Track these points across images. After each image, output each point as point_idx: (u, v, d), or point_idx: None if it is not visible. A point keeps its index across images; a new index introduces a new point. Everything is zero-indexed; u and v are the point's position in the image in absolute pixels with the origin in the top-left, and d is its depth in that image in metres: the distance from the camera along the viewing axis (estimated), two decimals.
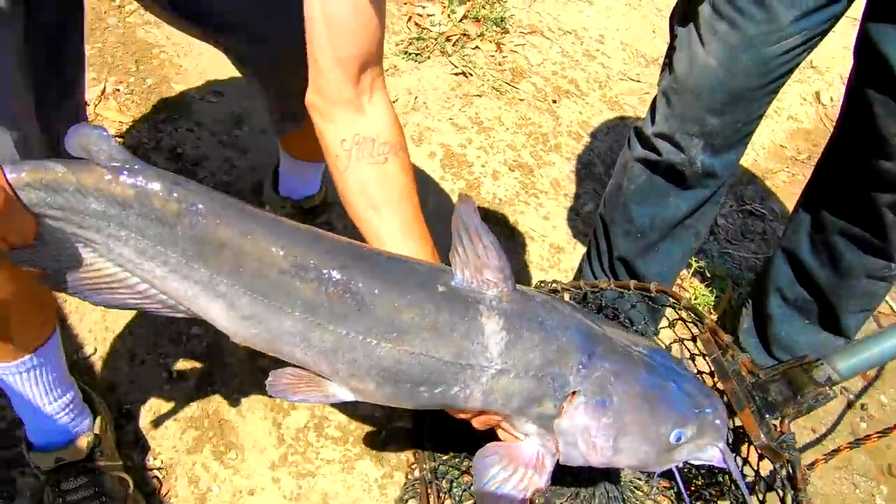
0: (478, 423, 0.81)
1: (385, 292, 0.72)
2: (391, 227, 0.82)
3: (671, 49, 1.16)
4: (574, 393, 0.74)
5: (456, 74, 2.06)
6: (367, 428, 1.31)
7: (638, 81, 2.29)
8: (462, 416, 0.81)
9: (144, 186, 0.69)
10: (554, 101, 2.10)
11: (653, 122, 1.20)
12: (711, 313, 1.70)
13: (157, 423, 1.25)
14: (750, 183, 2.07)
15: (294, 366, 0.79)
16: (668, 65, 1.17)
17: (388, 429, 1.32)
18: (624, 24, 2.49)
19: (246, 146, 1.71)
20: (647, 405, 0.74)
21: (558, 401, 0.74)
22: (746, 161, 2.08)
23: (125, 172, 0.68)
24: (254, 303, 0.72)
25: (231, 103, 1.80)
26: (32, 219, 0.66)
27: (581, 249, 1.71)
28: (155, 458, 1.21)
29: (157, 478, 1.19)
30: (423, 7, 2.17)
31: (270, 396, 0.89)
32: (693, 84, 1.09)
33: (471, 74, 2.07)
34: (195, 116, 1.75)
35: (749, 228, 1.94)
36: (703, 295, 1.72)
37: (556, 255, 1.72)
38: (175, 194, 0.70)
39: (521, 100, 2.06)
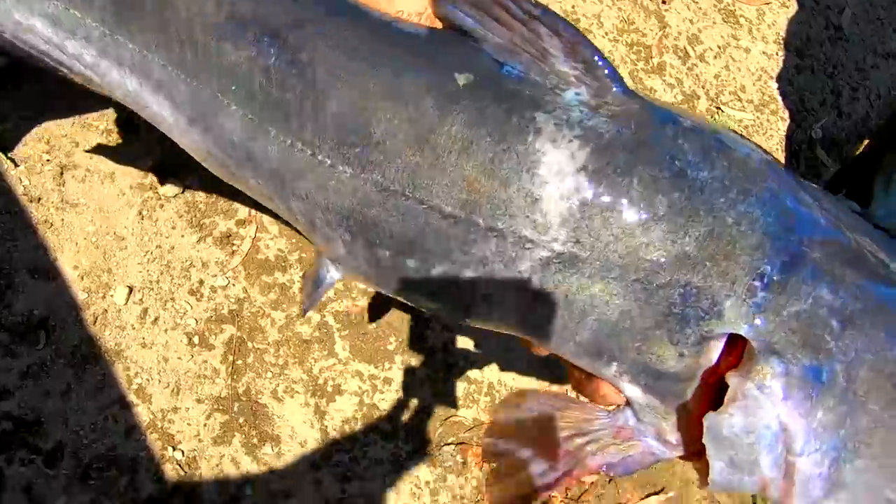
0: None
1: (352, 74, 0.40)
2: None
3: None
4: (744, 341, 0.39)
5: None
6: (422, 419, 1.12)
7: None
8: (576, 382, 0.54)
9: None
10: (663, 1, 1.68)
11: None
12: None
13: (176, 402, 1.02)
14: None
15: None
16: None
17: (446, 421, 1.14)
18: None
19: None
20: None
21: (695, 347, 0.39)
22: None
23: None
24: (191, 92, 0.46)
25: None
26: None
27: None
28: (175, 448, 1.00)
29: (178, 470, 0.99)
30: None
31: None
32: None
33: None
34: None
35: None
36: None
37: None
38: None
39: None
